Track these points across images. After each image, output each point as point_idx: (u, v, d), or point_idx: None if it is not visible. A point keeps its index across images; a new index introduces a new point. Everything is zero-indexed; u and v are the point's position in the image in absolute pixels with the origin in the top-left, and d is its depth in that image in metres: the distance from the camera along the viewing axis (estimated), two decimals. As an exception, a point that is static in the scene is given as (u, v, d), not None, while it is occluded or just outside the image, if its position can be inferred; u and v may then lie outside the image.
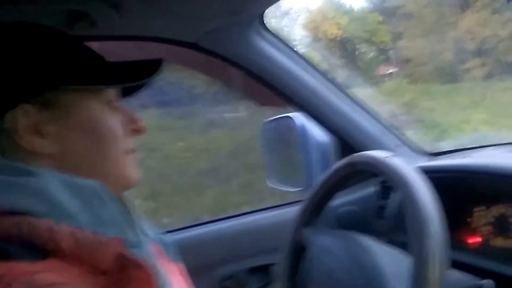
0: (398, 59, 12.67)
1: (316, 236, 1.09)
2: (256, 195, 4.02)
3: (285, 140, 1.65)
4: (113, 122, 0.73)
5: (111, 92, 0.74)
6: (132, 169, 0.75)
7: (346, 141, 1.52)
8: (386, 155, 0.91)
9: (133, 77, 0.75)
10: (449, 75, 11.34)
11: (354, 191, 1.59)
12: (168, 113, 5.20)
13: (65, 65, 0.70)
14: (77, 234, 0.60)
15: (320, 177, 1.12)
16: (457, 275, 0.95)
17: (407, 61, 12.25)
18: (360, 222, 1.50)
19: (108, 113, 0.72)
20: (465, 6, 11.97)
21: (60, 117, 0.68)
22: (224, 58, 1.36)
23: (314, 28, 13.30)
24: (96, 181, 0.67)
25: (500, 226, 1.14)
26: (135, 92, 0.81)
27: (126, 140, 0.74)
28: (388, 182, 0.89)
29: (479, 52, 10.99)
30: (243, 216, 1.57)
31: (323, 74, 1.47)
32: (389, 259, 0.92)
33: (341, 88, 1.50)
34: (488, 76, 10.35)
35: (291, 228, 1.14)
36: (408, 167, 0.87)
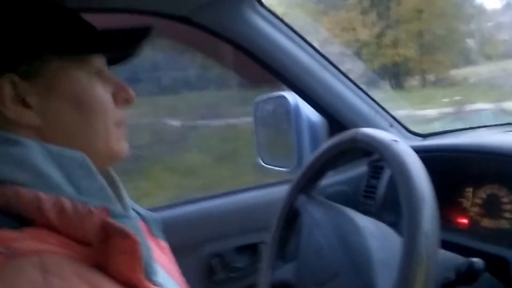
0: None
1: (310, 204, 1.08)
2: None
3: (277, 119, 1.64)
4: (102, 92, 0.71)
5: (99, 61, 0.72)
6: (120, 142, 0.74)
7: (339, 121, 1.51)
8: (394, 138, 0.89)
9: (119, 45, 0.74)
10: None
11: (344, 170, 1.59)
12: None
13: (50, 34, 0.68)
14: (62, 203, 0.60)
15: (319, 148, 1.10)
16: (446, 254, 0.95)
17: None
18: (350, 202, 1.49)
19: (96, 83, 0.71)
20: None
21: (47, 88, 0.67)
22: (216, 34, 1.34)
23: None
24: (82, 153, 0.66)
25: (490, 207, 1.15)
26: (125, 61, 0.79)
27: (116, 111, 0.73)
28: (388, 165, 0.88)
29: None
30: (231, 195, 1.57)
31: (318, 52, 1.45)
32: (379, 244, 0.90)
33: (335, 67, 1.49)
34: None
35: (286, 194, 1.13)
36: (412, 154, 0.84)
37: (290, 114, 1.54)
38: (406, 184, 0.79)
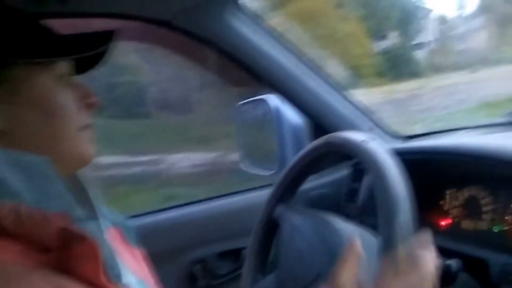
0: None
1: (289, 213, 1.08)
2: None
3: (259, 122, 1.63)
4: (65, 97, 0.70)
5: (63, 66, 0.72)
6: (87, 145, 0.73)
7: (320, 124, 1.51)
8: (363, 138, 0.90)
9: (81, 49, 0.73)
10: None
11: (326, 174, 1.59)
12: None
13: (13, 40, 0.67)
14: (19, 210, 0.58)
15: (296, 156, 1.11)
16: None
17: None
18: (332, 205, 1.49)
19: (60, 88, 0.70)
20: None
21: (10, 94, 0.66)
22: (198, 38, 1.33)
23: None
24: (43, 158, 0.65)
25: (470, 208, 1.16)
26: (91, 67, 0.79)
27: (80, 116, 0.72)
28: (362, 164, 0.88)
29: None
30: (213, 200, 1.56)
31: (299, 55, 1.45)
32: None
33: (316, 70, 1.49)
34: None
35: (264, 204, 1.13)
36: (383, 151, 0.86)
37: (272, 117, 1.53)
38: (380, 180, 0.80)
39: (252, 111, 1.66)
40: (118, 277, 0.62)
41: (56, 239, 0.57)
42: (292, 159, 1.12)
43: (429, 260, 0.72)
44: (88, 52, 0.73)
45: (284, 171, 1.13)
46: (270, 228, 1.12)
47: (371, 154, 0.85)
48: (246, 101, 1.65)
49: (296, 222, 1.05)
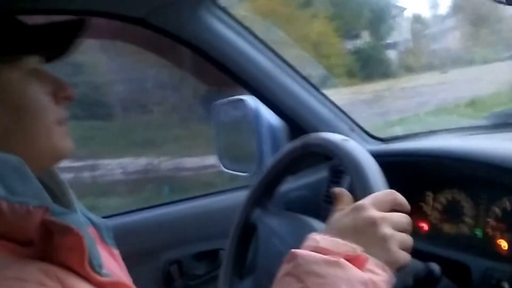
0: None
1: (266, 217, 1.07)
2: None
3: (237, 123, 1.61)
4: (38, 92, 0.68)
5: (33, 60, 0.69)
6: (63, 139, 0.71)
7: (299, 125, 1.50)
8: (342, 138, 0.90)
9: (50, 43, 0.71)
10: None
11: (305, 175, 1.58)
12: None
13: None
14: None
15: (273, 158, 1.09)
16: None
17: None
18: (311, 207, 1.47)
19: (31, 83, 0.68)
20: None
21: None
22: (173, 36, 1.30)
23: None
24: (13, 156, 0.63)
25: (450, 211, 1.15)
26: (62, 55, 0.76)
27: (56, 110, 0.70)
28: (341, 165, 0.87)
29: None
30: (189, 201, 1.55)
31: (277, 55, 1.43)
32: None
33: (295, 71, 1.47)
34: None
35: (241, 208, 1.12)
36: (362, 150, 0.85)
37: (250, 118, 1.52)
38: (359, 178, 0.80)
39: (230, 111, 1.64)
40: (100, 267, 0.61)
41: (40, 231, 0.57)
42: (269, 161, 1.11)
43: (393, 226, 0.72)
44: (57, 46, 0.71)
45: (261, 174, 1.11)
46: (247, 231, 1.11)
47: (351, 153, 0.84)
48: (223, 100, 1.64)
49: (273, 224, 1.03)
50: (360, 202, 0.74)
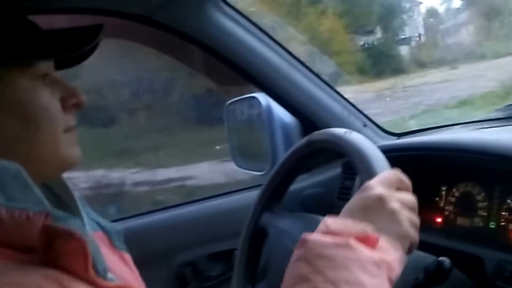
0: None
1: (276, 219, 1.06)
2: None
3: (250, 121, 1.61)
4: (48, 99, 0.67)
5: (45, 65, 0.68)
6: (71, 148, 0.70)
7: (311, 122, 1.48)
8: (344, 131, 0.89)
9: (65, 48, 0.69)
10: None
11: (318, 173, 1.56)
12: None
13: None
14: None
15: (280, 159, 1.09)
16: (415, 253, 0.93)
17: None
18: (325, 204, 1.46)
19: (41, 89, 0.66)
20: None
21: None
22: (180, 34, 1.29)
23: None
24: (12, 163, 0.61)
25: (464, 205, 1.13)
26: (75, 63, 0.75)
27: (65, 117, 0.69)
28: (347, 157, 0.87)
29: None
30: (202, 202, 1.53)
31: (287, 51, 1.42)
32: None
33: (306, 66, 1.46)
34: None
35: (250, 213, 1.10)
36: (364, 139, 0.85)
37: (262, 116, 1.51)
38: (361, 161, 0.80)
39: (243, 109, 1.64)
40: (105, 271, 0.60)
41: (41, 237, 0.55)
42: (277, 163, 1.10)
43: (400, 202, 0.72)
44: (72, 51, 0.69)
45: (269, 176, 1.10)
46: (257, 236, 1.09)
47: (353, 143, 0.85)
48: (235, 99, 1.63)
49: (284, 226, 1.02)
50: (367, 183, 0.74)
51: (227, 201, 1.54)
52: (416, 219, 0.73)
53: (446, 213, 1.17)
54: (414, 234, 0.71)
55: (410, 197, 0.74)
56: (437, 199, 1.20)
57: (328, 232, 0.67)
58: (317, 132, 0.98)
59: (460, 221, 1.14)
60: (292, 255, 0.69)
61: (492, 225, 1.06)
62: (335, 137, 0.91)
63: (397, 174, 0.76)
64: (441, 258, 0.89)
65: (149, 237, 1.40)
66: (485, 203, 1.08)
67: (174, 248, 1.43)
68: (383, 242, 0.66)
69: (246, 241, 1.11)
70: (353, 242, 0.64)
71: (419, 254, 0.93)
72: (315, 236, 0.67)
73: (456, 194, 1.16)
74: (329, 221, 0.69)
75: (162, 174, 3.89)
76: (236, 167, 1.69)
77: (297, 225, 0.99)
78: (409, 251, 0.71)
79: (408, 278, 0.84)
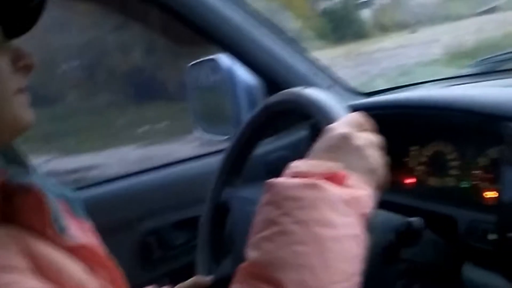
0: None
1: (238, 191, 1.03)
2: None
3: (211, 84, 1.55)
4: None
5: None
6: (23, 110, 0.66)
7: (275, 82, 1.43)
8: (299, 88, 0.89)
9: (7, 12, 0.64)
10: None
11: (285, 136, 1.52)
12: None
13: None
14: None
15: (235, 131, 1.07)
16: (386, 215, 0.91)
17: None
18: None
19: None
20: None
21: None
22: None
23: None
24: None
25: (436, 165, 1.10)
26: (25, 28, 0.69)
27: (14, 79, 0.65)
28: (305, 111, 0.85)
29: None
30: (164, 168, 1.49)
31: (249, 9, 1.36)
32: None
33: (268, 25, 1.40)
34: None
35: (210, 187, 1.08)
36: (319, 91, 0.85)
37: (224, 78, 1.45)
38: (319, 110, 0.80)
39: (203, 72, 1.57)
40: (63, 229, 0.60)
41: None
42: (230, 140, 1.09)
43: (365, 140, 0.71)
44: (18, 15, 0.65)
45: (226, 150, 1.08)
46: (220, 212, 1.07)
47: (309, 96, 0.84)
48: (196, 61, 1.56)
49: (247, 195, 0.99)
50: (329, 125, 0.74)
51: (190, 167, 1.51)
52: (382, 156, 0.72)
53: (417, 173, 1.14)
54: (383, 169, 0.71)
55: (374, 136, 0.74)
56: (407, 159, 1.17)
57: (294, 174, 0.66)
58: (273, 96, 0.96)
59: (432, 181, 1.11)
60: (260, 201, 0.68)
61: (464, 184, 1.03)
62: (290, 95, 0.90)
63: (358, 115, 0.76)
64: (412, 219, 0.87)
65: (111, 205, 1.37)
66: (457, 162, 1.06)
67: (137, 216, 1.39)
68: (352, 178, 0.66)
69: (209, 220, 1.08)
70: (320, 181, 0.63)
71: (390, 215, 0.92)
72: (281, 179, 0.66)
73: (427, 153, 1.13)
74: (297, 163, 0.68)
75: (72, 162, 3.78)
76: (198, 132, 1.63)
77: (261, 191, 0.96)
78: (380, 188, 0.70)
79: (379, 240, 0.82)
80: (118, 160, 3.78)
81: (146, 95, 4.18)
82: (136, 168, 1.50)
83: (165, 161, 1.58)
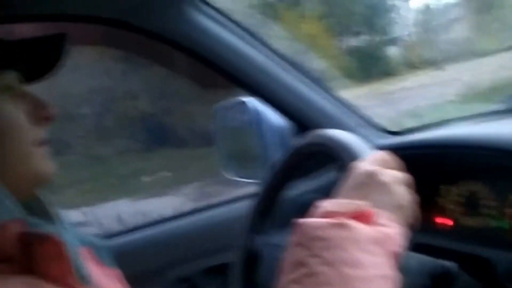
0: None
1: (269, 238, 1.03)
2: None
3: (239, 127, 1.55)
4: (14, 112, 0.64)
5: (9, 77, 0.65)
6: (43, 162, 0.67)
7: (303, 123, 1.41)
8: (325, 130, 0.92)
9: (28, 57, 0.67)
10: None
11: (315, 178, 1.50)
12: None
13: None
14: None
15: (264, 173, 1.09)
16: (420, 257, 0.89)
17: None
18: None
19: (7, 102, 0.63)
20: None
21: None
22: (158, 37, 1.22)
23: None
24: None
25: (469, 204, 1.06)
26: (45, 75, 0.72)
27: (34, 131, 0.66)
28: (335, 156, 0.87)
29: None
30: (195, 214, 1.50)
31: (274, 50, 1.35)
32: None
33: (295, 65, 1.39)
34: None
35: (241, 235, 1.08)
36: (344, 132, 0.87)
37: (251, 120, 1.45)
38: (344, 150, 0.83)
39: (231, 115, 1.57)
40: (87, 279, 0.59)
41: (16, 244, 0.55)
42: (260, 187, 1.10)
43: (392, 177, 0.72)
44: (35, 60, 0.67)
45: (257, 196, 1.09)
46: (251, 261, 1.06)
47: (333, 137, 0.87)
48: (223, 104, 1.57)
49: (279, 242, 0.98)
50: (355, 164, 0.75)
51: (220, 212, 1.50)
52: (411, 193, 0.73)
53: (449, 213, 1.10)
54: (411, 207, 0.71)
55: (401, 174, 0.74)
56: (440, 199, 1.13)
57: (322, 214, 0.66)
58: (301, 138, 1.00)
59: (464, 221, 1.07)
60: (289, 242, 0.68)
61: (500, 224, 0.99)
62: (317, 138, 0.93)
63: (383, 153, 0.77)
64: (447, 263, 0.86)
65: (141, 253, 1.37)
66: (491, 201, 1.01)
67: (168, 264, 1.39)
68: (379, 216, 0.65)
69: (240, 268, 1.08)
70: (347, 220, 0.63)
71: (424, 258, 0.91)
72: (308, 220, 0.66)
73: (459, 192, 1.09)
74: (325, 203, 0.69)
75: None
76: (227, 176, 1.62)
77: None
78: (411, 225, 0.70)
79: (414, 284, 0.82)
80: (106, 217, 3.76)
81: (155, 141, 4.20)
82: (139, 222, 1.50)
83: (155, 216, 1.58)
